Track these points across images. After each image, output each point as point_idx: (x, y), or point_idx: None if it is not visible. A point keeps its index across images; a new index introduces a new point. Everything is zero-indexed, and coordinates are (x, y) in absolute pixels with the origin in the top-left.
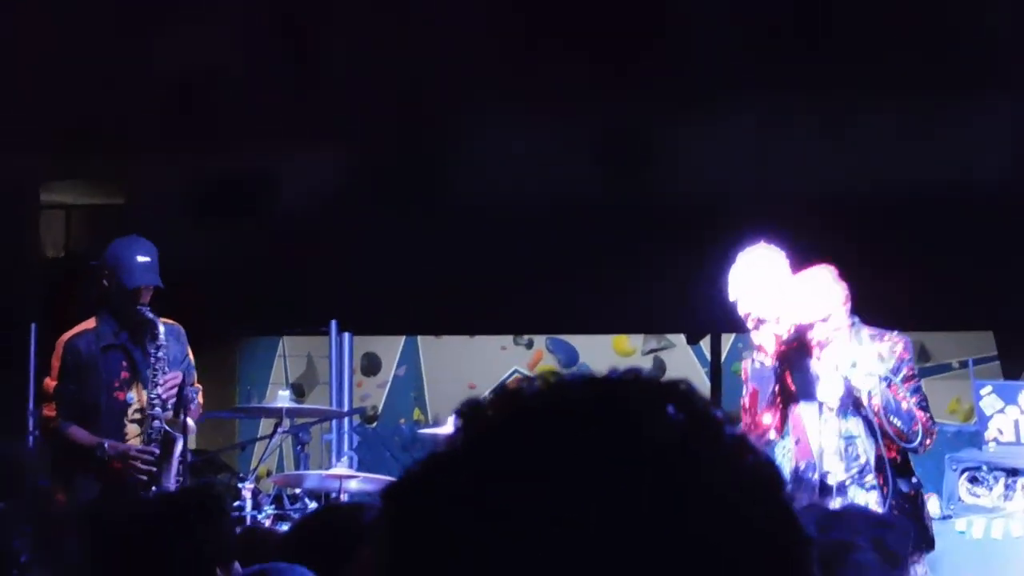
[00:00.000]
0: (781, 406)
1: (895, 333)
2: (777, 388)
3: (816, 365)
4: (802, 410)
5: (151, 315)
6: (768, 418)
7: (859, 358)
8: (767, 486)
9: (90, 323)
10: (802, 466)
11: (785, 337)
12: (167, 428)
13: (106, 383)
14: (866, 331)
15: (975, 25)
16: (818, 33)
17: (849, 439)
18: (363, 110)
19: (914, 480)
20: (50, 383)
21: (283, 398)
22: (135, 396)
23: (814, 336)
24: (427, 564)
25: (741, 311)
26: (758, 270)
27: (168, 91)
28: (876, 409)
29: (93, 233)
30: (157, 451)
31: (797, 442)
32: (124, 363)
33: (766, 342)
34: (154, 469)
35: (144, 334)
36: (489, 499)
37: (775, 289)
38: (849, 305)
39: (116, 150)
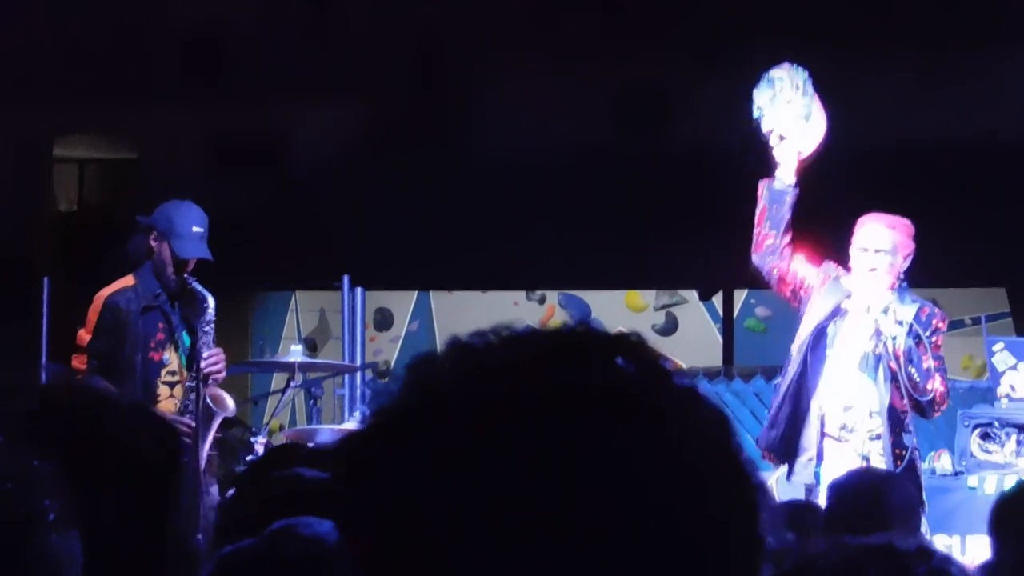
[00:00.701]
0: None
1: (937, 308)
2: (791, 214)
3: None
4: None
5: (200, 287)
6: (772, 240)
7: (894, 308)
8: (716, 436)
9: (129, 280)
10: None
11: (806, 155)
12: (211, 404)
13: (143, 343)
14: (910, 295)
15: None
16: None
17: (864, 388)
18: (377, 65)
19: (914, 441)
20: (84, 336)
21: (295, 352)
22: (170, 358)
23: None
24: (381, 521)
25: (764, 127)
26: (782, 87)
27: (181, 45)
28: (897, 355)
29: (106, 187)
30: (192, 424)
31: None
32: (161, 324)
33: (787, 159)
34: (188, 440)
35: (182, 298)
36: (442, 456)
37: (797, 106)
38: (907, 265)
39: (130, 104)
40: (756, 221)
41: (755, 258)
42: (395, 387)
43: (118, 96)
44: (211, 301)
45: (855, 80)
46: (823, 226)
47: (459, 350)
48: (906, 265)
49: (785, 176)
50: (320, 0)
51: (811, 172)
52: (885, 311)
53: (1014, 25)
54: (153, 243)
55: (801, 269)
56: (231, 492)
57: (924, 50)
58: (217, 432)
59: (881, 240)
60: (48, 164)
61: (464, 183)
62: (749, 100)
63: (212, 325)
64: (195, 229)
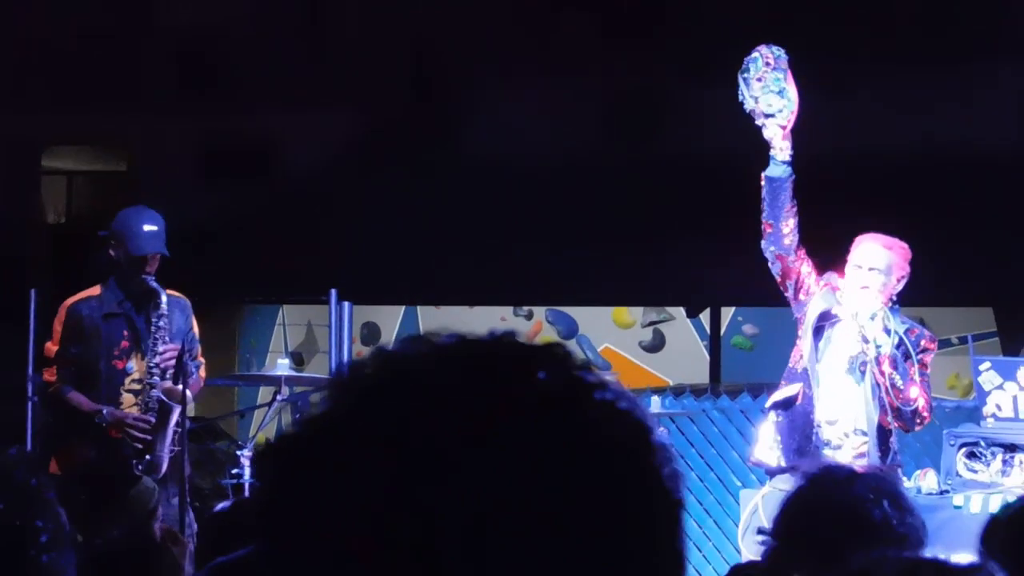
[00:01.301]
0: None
1: (927, 330)
2: (789, 201)
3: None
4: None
5: (155, 284)
6: (771, 228)
7: (882, 317)
8: (634, 451)
9: (95, 290)
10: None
11: (789, 126)
12: (163, 397)
13: (106, 350)
14: (900, 316)
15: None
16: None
17: (851, 401)
18: (369, 78)
19: (898, 459)
20: (51, 347)
21: (282, 366)
22: (134, 366)
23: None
24: (299, 526)
25: (747, 108)
26: (756, 67)
27: (169, 55)
28: (882, 361)
29: (95, 199)
30: (153, 420)
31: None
32: (126, 332)
33: (774, 135)
34: (149, 437)
35: (148, 304)
36: (359, 462)
37: (768, 81)
38: (900, 288)
39: (119, 115)
40: (761, 210)
41: (762, 245)
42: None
43: (107, 107)
44: (163, 296)
45: (844, 93)
46: (810, 243)
47: (382, 357)
48: (899, 287)
49: (777, 154)
50: (312, 10)
51: (800, 188)
52: (872, 317)
53: (1005, 40)
54: (112, 252)
55: (807, 271)
56: (224, 505)
57: (914, 63)
58: (203, 444)
59: (876, 259)
60: (37, 175)
61: (452, 198)
62: (738, 114)
63: (165, 319)
64: (147, 228)
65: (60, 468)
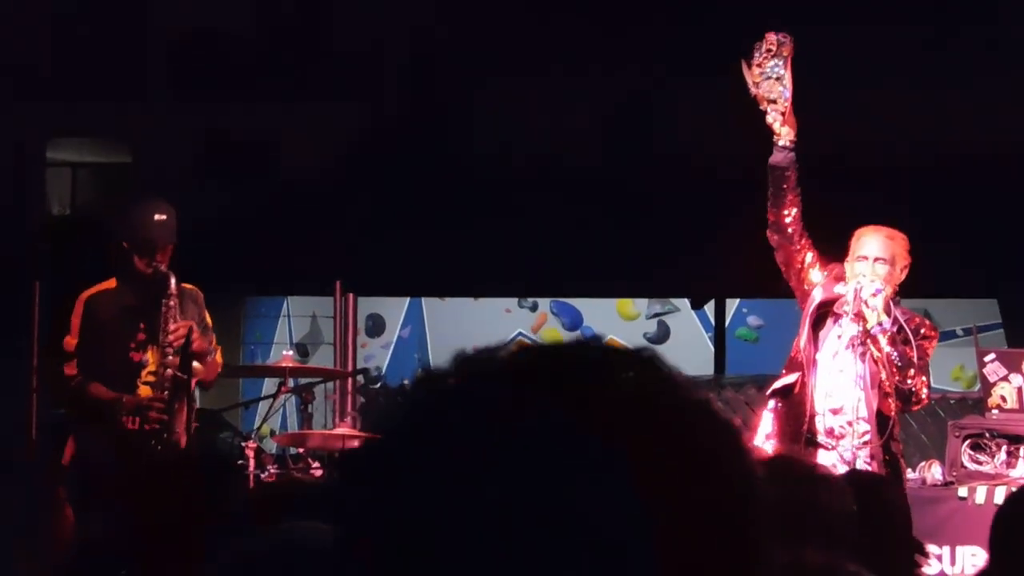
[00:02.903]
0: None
1: (928, 320)
2: (790, 189)
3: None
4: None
5: (164, 268)
6: (772, 217)
7: (884, 295)
8: (725, 454)
9: (110, 283)
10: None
11: (787, 113)
12: (177, 372)
13: (122, 343)
14: (901, 309)
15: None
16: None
17: (851, 388)
18: (371, 70)
19: (900, 447)
20: (70, 341)
21: (287, 358)
22: (150, 358)
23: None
24: (386, 532)
25: (751, 93)
26: (757, 55)
27: (173, 50)
28: (881, 339)
29: (99, 191)
30: (166, 397)
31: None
32: (141, 324)
33: (774, 121)
34: (165, 417)
35: (162, 295)
36: (452, 468)
37: (765, 68)
38: (902, 277)
39: (123, 108)
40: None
41: (767, 233)
42: (400, 400)
43: (111, 100)
44: (173, 279)
45: (847, 89)
46: (812, 235)
47: (465, 364)
48: (902, 277)
49: (778, 140)
50: (314, 6)
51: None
52: (875, 294)
53: (1010, 33)
54: (124, 243)
55: (810, 260)
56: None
57: (917, 58)
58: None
59: (881, 249)
60: (41, 167)
61: (456, 191)
62: (740, 108)
63: (174, 299)
64: (157, 217)
65: (72, 459)
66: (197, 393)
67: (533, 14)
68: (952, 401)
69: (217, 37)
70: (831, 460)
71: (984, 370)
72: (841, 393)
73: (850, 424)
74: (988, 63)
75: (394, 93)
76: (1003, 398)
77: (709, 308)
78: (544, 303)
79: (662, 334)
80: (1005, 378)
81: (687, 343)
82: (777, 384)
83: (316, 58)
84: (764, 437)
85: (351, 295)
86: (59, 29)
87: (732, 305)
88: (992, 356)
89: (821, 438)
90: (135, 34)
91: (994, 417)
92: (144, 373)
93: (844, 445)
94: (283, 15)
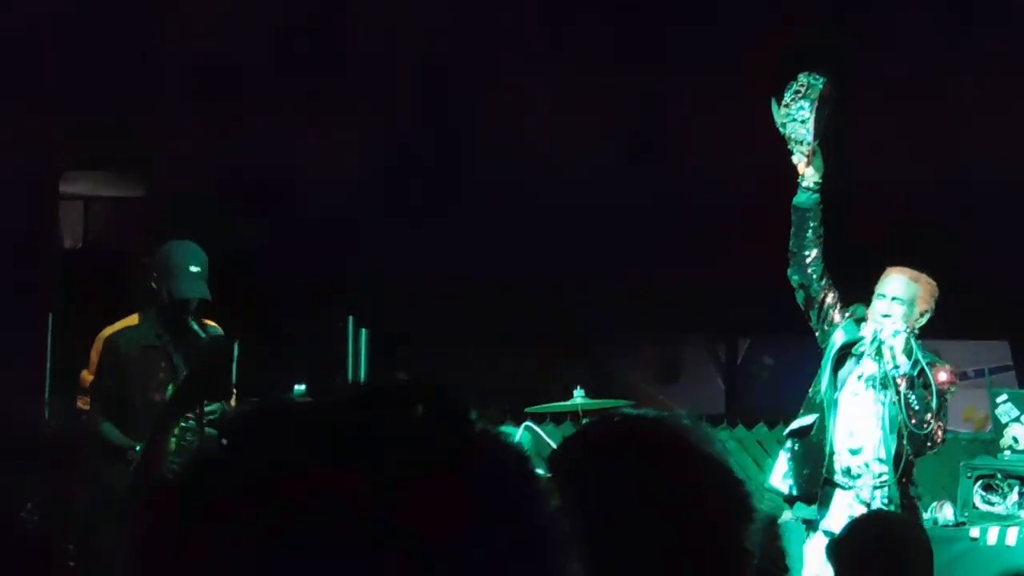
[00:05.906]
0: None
1: (947, 365)
2: (812, 230)
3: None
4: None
5: (195, 326)
6: (794, 256)
7: (905, 337)
8: (517, 474)
9: (133, 320)
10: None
11: (810, 156)
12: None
13: (143, 383)
14: (922, 351)
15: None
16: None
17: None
18: (386, 102)
19: (918, 489)
20: (87, 377)
21: (298, 392)
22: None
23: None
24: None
25: (782, 133)
26: (789, 96)
27: (187, 80)
28: (900, 382)
29: (112, 225)
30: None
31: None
32: (163, 364)
33: (799, 163)
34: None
35: (186, 338)
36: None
37: (792, 109)
38: (923, 322)
39: (137, 141)
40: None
41: (788, 272)
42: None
43: (125, 132)
44: (204, 336)
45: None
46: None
47: (256, 407)
48: (923, 322)
49: (804, 182)
50: (328, 41)
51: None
52: (895, 335)
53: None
54: (153, 284)
55: (831, 301)
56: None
57: (927, 94)
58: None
59: (900, 289)
60: (54, 201)
61: (469, 233)
62: (752, 141)
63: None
64: (192, 269)
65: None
66: None
67: (548, 38)
68: (964, 442)
69: (230, 70)
70: (848, 500)
71: (996, 411)
72: (862, 433)
73: (868, 464)
74: (998, 95)
75: (408, 132)
76: (1015, 439)
77: (721, 345)
78: None
79: (673, 371)
80: (1017, 419)
81: (699, 380)
82: (794, 425)
83: (327, 96)
84: (780, 477)
85: (363, 331)
86: (73, 62)
87: (744, 343)
88: (1004, 397)
89: (838, 478)
90: (150, 68)
91: (1006, 458)
92: None
93: (862, 485)
94: (297, 48)
